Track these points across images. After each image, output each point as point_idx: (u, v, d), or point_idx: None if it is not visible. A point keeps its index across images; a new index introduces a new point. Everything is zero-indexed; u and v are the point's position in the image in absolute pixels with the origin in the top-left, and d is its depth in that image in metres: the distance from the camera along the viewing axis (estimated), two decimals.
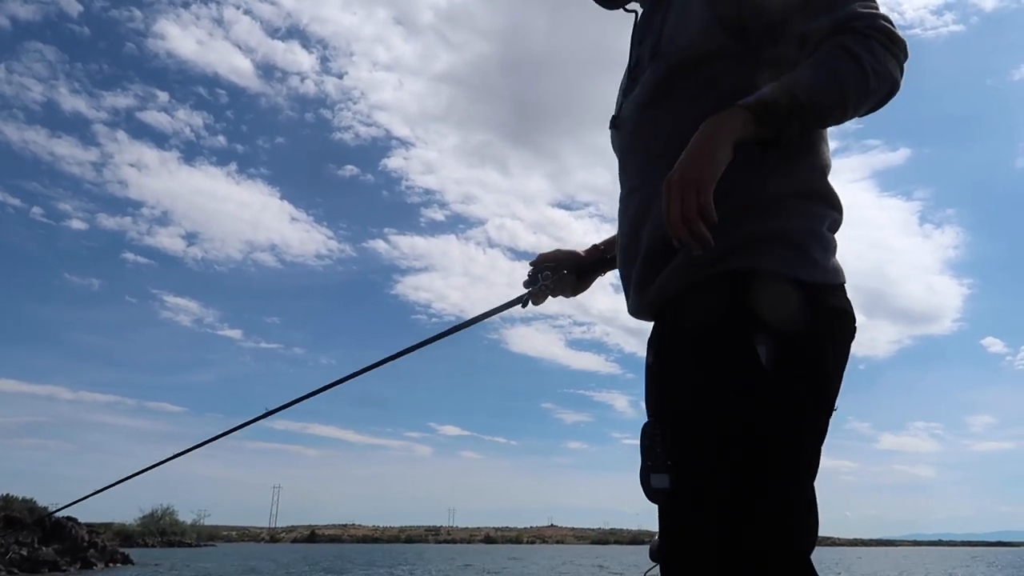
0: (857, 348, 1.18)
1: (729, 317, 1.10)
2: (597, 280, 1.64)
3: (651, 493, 1.10)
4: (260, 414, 1.80)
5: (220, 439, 1.89)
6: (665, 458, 1.09)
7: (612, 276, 1.57)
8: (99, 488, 2.13)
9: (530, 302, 1.56)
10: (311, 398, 1.78)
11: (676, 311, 1.18)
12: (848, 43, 1.10)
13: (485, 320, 1.60)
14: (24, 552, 19.23)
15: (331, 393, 1.76)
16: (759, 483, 1.04)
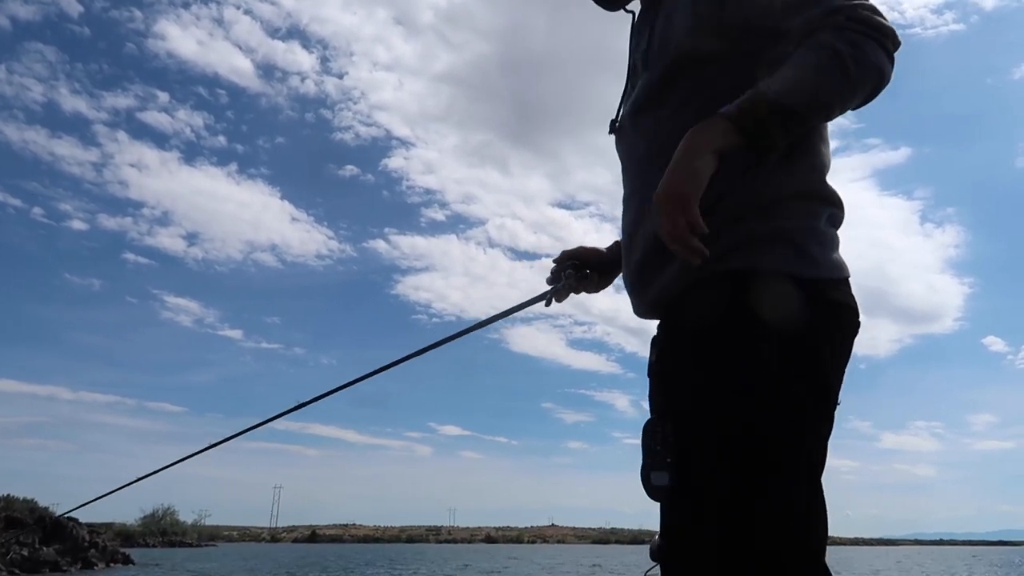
0: (858, 347, 1.18)
1: (729, 316, 1.10)
2: None
3: (651, 491, 1.11)
4: (292, 406, 1.80)
5: (223, 440, 1.89)
6: (665, 456, 1.10)
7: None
8: (112, 489, 2.13)
9: (553, 300, 1.55)
10: (318, 399, 1.78)
11: (677, 311, 1.20)
12: (828, 38, 1.09)
13: (491, 319, 1.60)
14: (25, 552, 19.23)
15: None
16: (760, 482, 1.04)
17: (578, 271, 1.54)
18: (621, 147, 1.38)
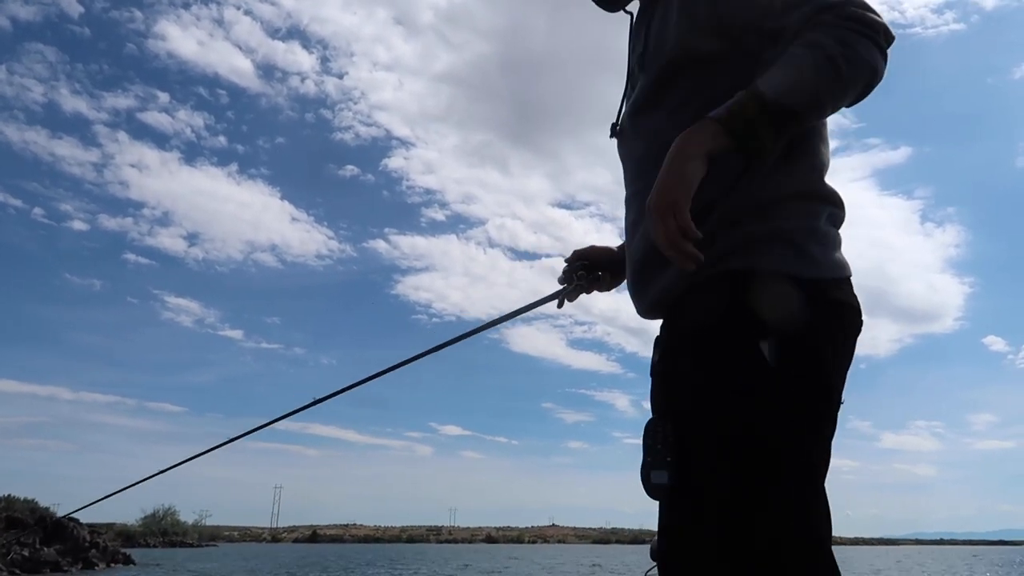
0: (858, 347, 1.18)
1: (729, 317, 1.10)
2: None
3: (651, 489, 1.11)
4: (308, 402, 1.80)
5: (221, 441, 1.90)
6: (666, 455, 1.10)
7: None
8: (117, 489, 2.13)
9: (564, 300, 1.55)
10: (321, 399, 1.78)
11: (678, 312, 1.20)
12: (816, 37, 1.08)
13: (495, 320, 1.60)
14: (26, 553, 19.25)
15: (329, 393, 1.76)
16: (760, 482, 1.04)
17: (589, 272, 1.53)
18: (622, 149, 1.39)
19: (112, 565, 23.21)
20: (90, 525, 24.37)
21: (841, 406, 1.14)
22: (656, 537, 1.16)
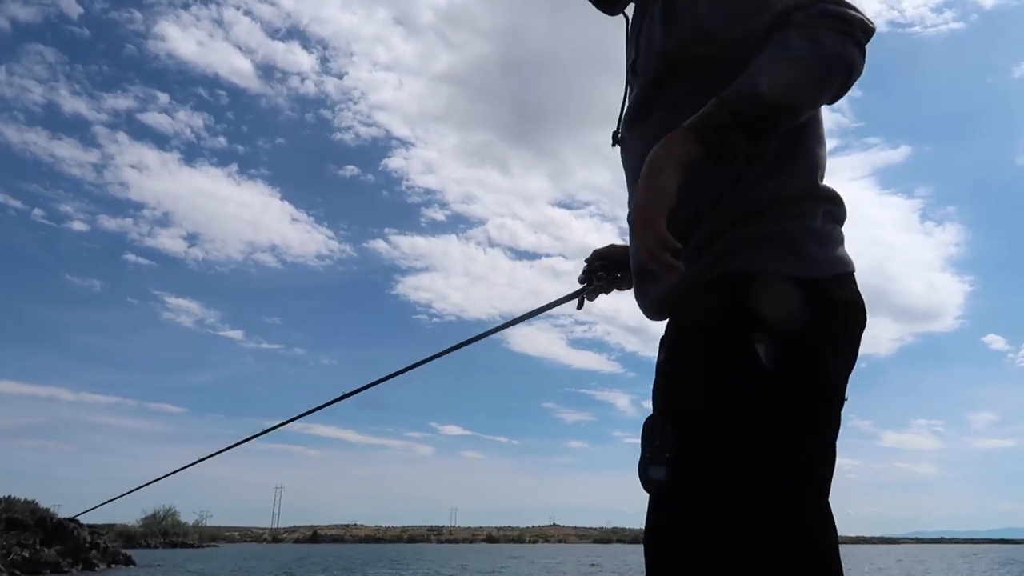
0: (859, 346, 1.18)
1: (728, 318, 1.11)
2: None
3: (647, 484, 1.13)
4: (335, 397, 1.81)
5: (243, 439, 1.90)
6: (664, 451, 1.11)
7: None
8: (127, 490, 2.14)
9: (584, 301, 1.55)
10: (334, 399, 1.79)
11: (679, 313, 1.21)
12: (786, 38, 1.08)
13: (509, 320, 1.60)
14: (26, 554, 19.25)
15: (330, 393, 1.77)
16: (760, 482, 1.04)
17: (608, 272, 1.52)
18: (623, 157, 1.40)
19: (112, 566, 23.21)
20: (90, 526, 24.37)
21: (845, 403, 1.14)
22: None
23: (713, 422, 1.08)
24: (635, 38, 1.36)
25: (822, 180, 1.21)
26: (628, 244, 1.58)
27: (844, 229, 1.23)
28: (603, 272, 1.52)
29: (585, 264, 1.55)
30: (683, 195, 1.16)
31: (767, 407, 1.06)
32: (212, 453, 2.01)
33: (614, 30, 1.46)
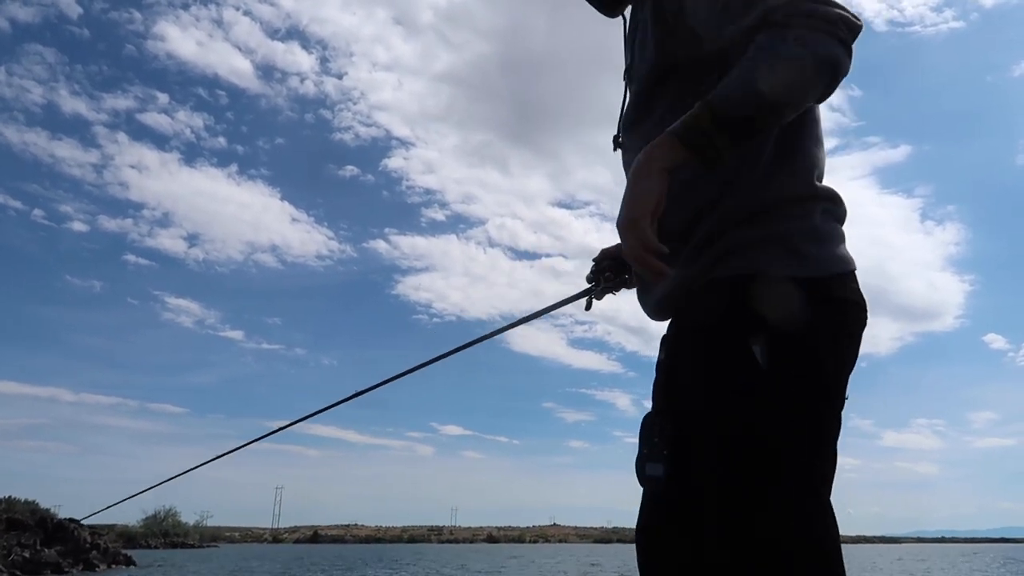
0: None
1: (727, 319, 1.11)
2: None
3: (644, 480, 1.14)
4: (350, 394, 1.81)
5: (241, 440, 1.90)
6: (663, 449, 1.11)
7: None
8: (136, 492, 2.15)
9: (592, 300, 1.55)
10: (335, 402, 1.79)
11: (680, 313, 1.22)
12: (765, 41, 1.07)
13: (502, 322, 1.60)
14: (26, 554, 19.25)
15: (330, 393, 1.78)
16: (758, 481, 1.05)
17: (617, 272, 1.52)
18: (624, 160, 1.40)
19: (113, 566, 23.21)
20: (91, 526, 24.34)
21: (846, 403, 1.14)
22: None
23: (713, 422, 1.08)
24: (631, 42, 1.37)
25: (821, 180, 1.22)
26: None
27: (844, 228, 1.23)
28: (611, 272, 1.52)
29: (593, 264, 1.55)
30: (683, 195, 1.17)
31: (767, 407, 1.06)
32: (223, 453, 2.01)
33: (615, 30, 1.46)
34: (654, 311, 1.30)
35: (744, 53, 1.09)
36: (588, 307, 1.54)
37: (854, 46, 1.09)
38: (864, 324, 1.17)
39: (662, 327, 1.30)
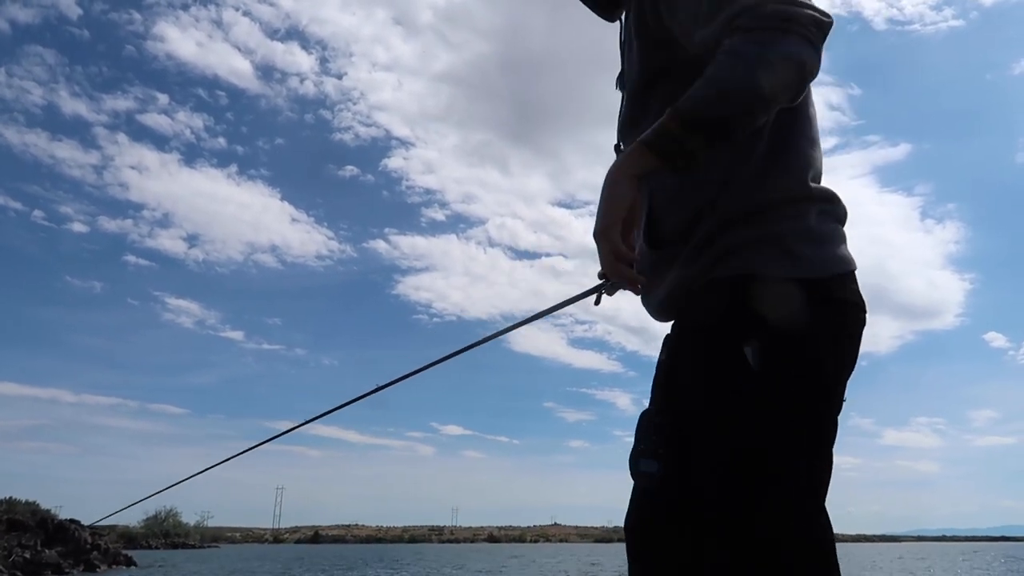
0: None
1: (725, 321, 1.12)
2: None
3: (637, 475, 1.15)
4: (369, 390, 1.81)
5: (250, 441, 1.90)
6: (659, 446, 1.13)
7: None
8: (145, 496, 2.16)
9: (603, 296, 1.56)
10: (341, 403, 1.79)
11: (682, 313, 1.23)
12: (732, 45, 1.06)
13: (509, 321, 1.60)
14: (27, 555, 19.26)
15: (331, 393, 1.78)
16: (756, 483, 1.05)
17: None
18: None
19: (114, 567, 23.24)
20: (91, 527, 24.38)
21: (844, 403, 1.14)
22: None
23: (712, 422, 1.08)
24: (623, 48, 1.39)
25: (818, 180, 1.21)
26: None
27: (844, 228, 1.22)
28: None
29: None
30: (683, 195, 1.18)
31: (766, 407, 1.06)
32: (234, 455, 2.02)
33: (614, 30, 1.47)
34: (657, 311, 1.30)
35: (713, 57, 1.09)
36: (597, 302, 1.56)
37: (824, 44, 1.08)
38: (863, 325, 1.17)
39: (663, 327, 1.30)
